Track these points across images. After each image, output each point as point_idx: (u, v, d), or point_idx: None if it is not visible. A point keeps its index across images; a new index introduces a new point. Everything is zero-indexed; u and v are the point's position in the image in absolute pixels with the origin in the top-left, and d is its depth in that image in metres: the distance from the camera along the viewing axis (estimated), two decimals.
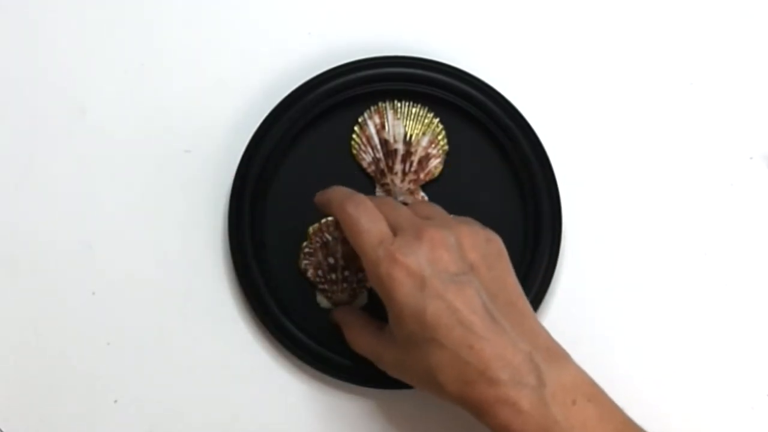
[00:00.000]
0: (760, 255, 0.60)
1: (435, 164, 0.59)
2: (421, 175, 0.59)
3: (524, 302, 0.48)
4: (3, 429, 0.60)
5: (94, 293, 0.60)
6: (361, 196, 0.50)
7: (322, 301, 0.59)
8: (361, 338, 0.53)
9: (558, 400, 0.44)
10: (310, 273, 0.59)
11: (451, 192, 0.59)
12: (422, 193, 0.59)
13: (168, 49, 0.61)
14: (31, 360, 0.60)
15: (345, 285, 0.58)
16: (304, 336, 0.58)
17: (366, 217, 0.48)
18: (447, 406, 0.59)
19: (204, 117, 0.61)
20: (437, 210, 0.52)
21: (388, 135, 0.59)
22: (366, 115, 0.59)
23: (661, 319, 0.60)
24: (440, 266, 0.46)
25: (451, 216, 0.52)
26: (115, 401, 0.60)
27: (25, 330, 0.60)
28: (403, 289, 0.45)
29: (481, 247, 0.48)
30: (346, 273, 0.58)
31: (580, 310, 0.60)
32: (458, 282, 0.46)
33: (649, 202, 0.61)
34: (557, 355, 0.47)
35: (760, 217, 0.61)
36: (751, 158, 0.61)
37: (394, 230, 0.48)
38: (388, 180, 0.59)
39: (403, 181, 0.59)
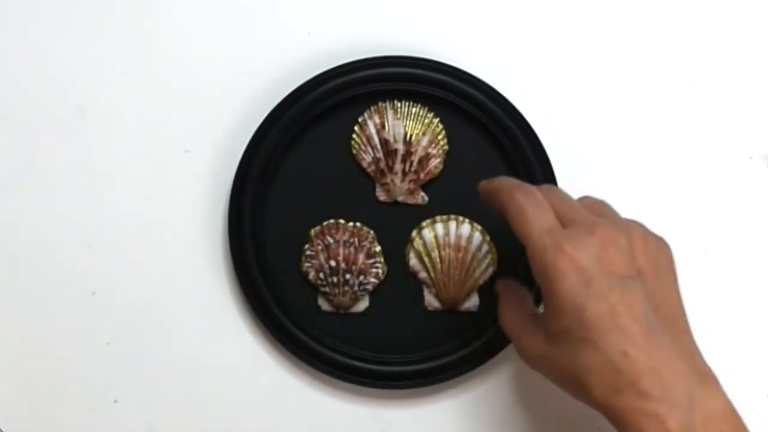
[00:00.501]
0: (760, 255, 0.61)
1: (435, 164, 0.59)
2: (421, 175, 0.59)
3: (685, 320, 0.47)
4: (3, 429, 0.60)
5: (94, 293, 0.60)
6: (531, 186, 0.48)
7: (323, 303, 0.59)
8: (513, 318, 0.51)
9: (707, 427, 0.43)
10: (311, 276, 0.59)
11: (451, 192, 0.59)
12: (422, 193, 0.59)
13: (168, 49, 0.61)
14: (31, 360, 0.60)
15: (346, 288, 0.58)
16: (304, 336, 0.58)
17: (534, 206, 0.46)
18: (447, 406, 0.60)
19: (204, 117, 0.60)
20: (608, 207, 0.50)
21: (388, 135, 0.59)
22: (366, 115, 0.59)
23: None
24: (608, 266, 0.44)
25: (623, 218, 0.50)
26: (115, 401, 0.60)
27: (25, 330, 0.60)
28: (567, 282, 0.44)
29: (652, 255, 0.46)
30: (348, 276, 0.58)
31: None
32: (624, 286, 0.44)
33: (650, 202, 0.61)
34: (710, 380, 0.45)
35: (760, 217, 0.61)
36: (751, 158, 0.61)
37: (564, 222, 0.46)
38: (388, 180, 0.59)
39: (403, 181, 0.59)
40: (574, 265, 0.44)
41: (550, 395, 0.59)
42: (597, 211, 0.49)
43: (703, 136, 0.61)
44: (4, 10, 0.61)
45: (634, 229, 0.47)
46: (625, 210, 0.61)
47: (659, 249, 0.47)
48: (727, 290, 0.60)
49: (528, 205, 0.46)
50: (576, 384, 0.45)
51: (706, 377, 0.45)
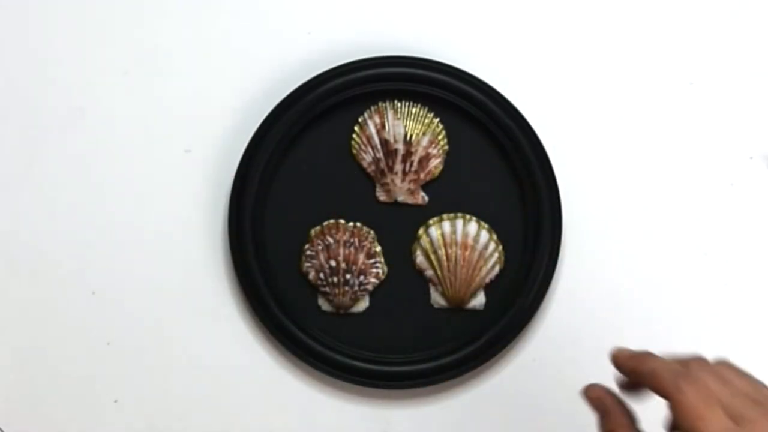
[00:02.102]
0: (760, 255, 0.61)
1: (435, 164, 0.59)
2: (422, 175, 0.59)
3: None
4: (3, 429, 0.60)
5: (94, 293, 0.60)
6: (695, 372, 0.47)
7: (324, 303, 0.59)
8: None
9: None
10: (311, 276, 0.59)
11: (451, 192, 0.59)
12: (422, 193, 0.59)
13: (168, 49, 0.61)
14: (31, 360, 0.60)
15: (346, 288, 0.58)
16: (304, 336, 0.58)
17: (706, 402, 0.46)
18: (447, 406, 0.60)
19: (204, 117, 0.61)
20: (752, 382, 0.49)
21: (388, 135, 0.59)
22: (366, 115, 0.59)
23: (661, 319, 0.60)
24: None
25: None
26: (115, 401, 0.60)
27: (25, 330, 0.60)
28: None
29: None
30: (348, 276, 0.58)
31: (580, 310, 0.60)
32: None
33: (650, 202, 0.61)
34: None
35: (760, 217, 0.61)
36: (751, 158, 0.61)
37: (732, 416, 0.46)
38: (389, 180, 0.59)
39: (403, 181, 0.59)
40: None
41: (549, 395, 0.59)
42: (755, 396, 0.48)
43: (703, 136, 0.61)
44: (5, 10, 0.61)
45: None
46: (626, 210, 0.61)
47: None
48: (727, 290, 0.60)
49: (700, 402, 0.46)
50: None
51: None
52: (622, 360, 0.50)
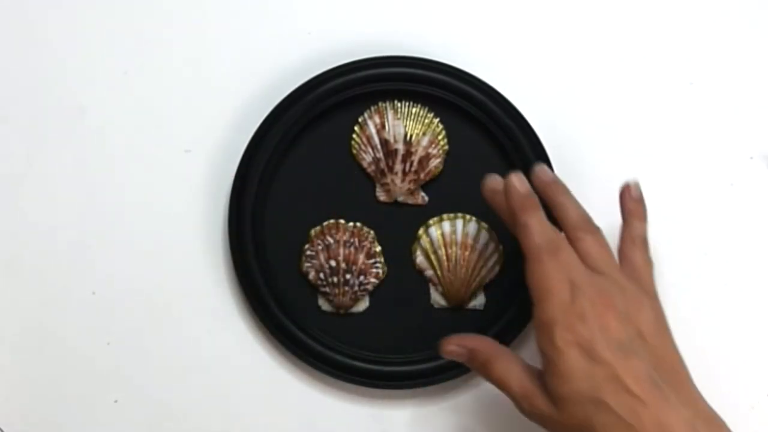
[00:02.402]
0: (760, 255, 0.61)
1: (435, 164, 0.59)
2: (422, 175, 0.59)
3: (684, 369, 0.50)
4: (3, 429, 0.60)
5: (94, 293, 0.60)
6: (560, 249, 0.50)
7: (324, 303, 0.59)
8: (519, 377, 0.51)
9: None
10: (311, 276, 0.59)
11: (451, 192, 0.59)
12: (422, 193, 0.59)
13: (168, 49, 0.61)
14: (31, 360, 0.60)
15: (347, 288, 0.58)
16: (304, 336, 0.58)
17: (557, 278, 0.49)
18: (447, 407, 0.60)
19: (204, 117, 0.61)
20: (607, 257, 0.52)
21: (388, 135, 0.59)
22: (366, 115, 0.59)
23: None
24: (610, 334, 0.47)
25: (623, 269, 0.52)
26: (115, 401, 0.60)
27: (26, 330, 0.60)
28: (573, 353, 0.47)
29: (648, 315, 0.50)
30: (348, 276, 0.58)
31: None
32: (625, 350, 0.47)
33: (650, 202, 0.61)
34: (716, 424, 0.48)
35: (760, 217, 0.61)
36: (751, 158, 0.61)
37: (572, 288, 0.49)
38: (388, 180, 0.59)
39: (403, 181, 0.59)
40: (579, 340, 0.47)
41: None
42: (596, 262, 0.51)
43: (703, 136, 0.61)
44: (5, 10, 0.61)
45: (631, 291, 0.50)
46: None
47: (652, 307, 0.51)
48: (727, 290, 0.60)
49: (552, 276, 0.49)
50: None
51: (711, 421, 0.48)
52: (513, 194, 0.51)
